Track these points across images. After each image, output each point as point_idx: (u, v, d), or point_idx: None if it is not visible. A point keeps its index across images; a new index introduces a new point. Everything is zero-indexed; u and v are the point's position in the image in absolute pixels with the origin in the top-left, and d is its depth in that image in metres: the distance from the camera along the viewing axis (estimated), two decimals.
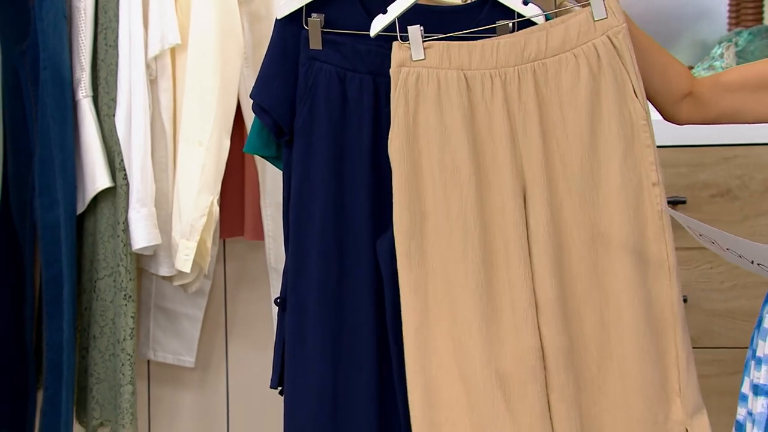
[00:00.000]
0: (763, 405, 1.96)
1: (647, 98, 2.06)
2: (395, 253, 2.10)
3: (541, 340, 2.00)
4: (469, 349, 2.02)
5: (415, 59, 2.05)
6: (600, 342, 2.02)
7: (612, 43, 2.01)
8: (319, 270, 2.15)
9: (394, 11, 2.08)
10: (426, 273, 2.04)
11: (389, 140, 2.06)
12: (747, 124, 2.15)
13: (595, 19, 2.01)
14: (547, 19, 2.11)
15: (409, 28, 2.05)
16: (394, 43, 2.06)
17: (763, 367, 1.97)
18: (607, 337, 2.01)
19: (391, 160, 2.05)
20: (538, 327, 2.01)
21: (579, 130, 2.01)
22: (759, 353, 2.00)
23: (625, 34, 2.01)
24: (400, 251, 2.04)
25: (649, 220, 2.00)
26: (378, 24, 2.09)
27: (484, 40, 2.06)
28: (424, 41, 2.05)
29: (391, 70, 2.06)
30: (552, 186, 2.02)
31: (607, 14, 2.01)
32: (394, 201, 2.05)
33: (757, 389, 1.99)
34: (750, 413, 2.01)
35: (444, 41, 2.06)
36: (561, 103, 2.02)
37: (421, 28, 2.05)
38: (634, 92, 2.01)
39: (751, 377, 2.02)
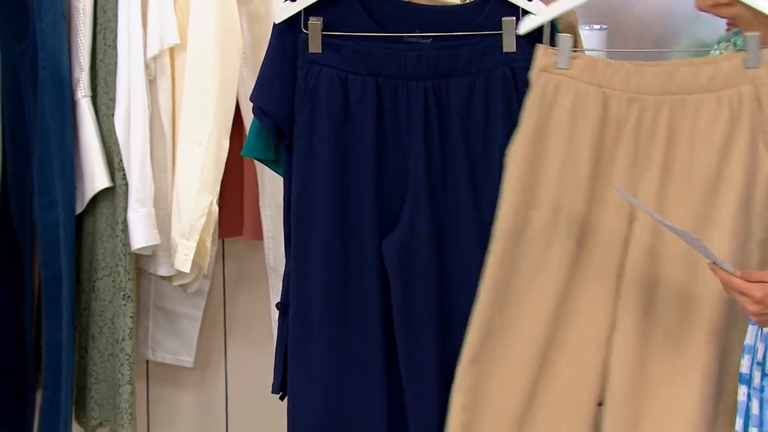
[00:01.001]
0: (744, 393, 1.98)
1: None
2: (402, 254, 2.11)
3: (606, 364, 2.03)
4: (530, 346, 2.05)
5: (559, 67, 2.05)
6: (664, 390, 2.04)
7: (757, 94, 2.01)
8: (323, 272, 2.15)
9: (549, 13, 2.08)
10: (515, 265, 2.07)
11: (514, 139, 2.07)
12: None
13: (747, 66, 2.01)
14: (553, 22, 2.11)
15: (559, 36, 2.07)
16: (540, 47, 2.07)
17: (746, 356, 1.99)
18: (671, 387, 2.03)
19: (509, 159, 2.06)
20: (607, 353, 2.04)
21: (705, 172, 2.02)
22: (745, 341, 2.01)
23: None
24: (499, 235, 2.07)
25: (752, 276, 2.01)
26: (528, 24, 2.09)
27: (631, 62, 2.06)
28: (572, 51, 2.06)
29: (531, 73, 2.07)
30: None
31: (759, 64, 2.01)
32: (503, 199, 2.06)
33: (740, 378, 2.00)
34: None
35: (591, 56, 2.07)
36: (692, 142, 2.03)
37: (572, 37, 2.07)
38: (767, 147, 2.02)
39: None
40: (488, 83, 2.12)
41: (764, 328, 1.94)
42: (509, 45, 2.12)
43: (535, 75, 2.06)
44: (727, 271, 1.88)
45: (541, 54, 2.05)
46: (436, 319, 2.15)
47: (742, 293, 1.85)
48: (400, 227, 2.13)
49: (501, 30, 2.11)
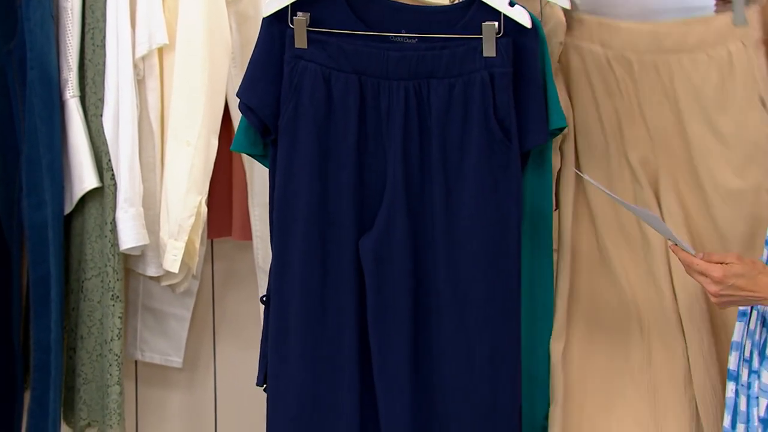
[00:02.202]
0: (732, 390, 1.98)
1: None
2: (378, 253, 2.11)
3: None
4: None
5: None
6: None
7: (745, 51, 2.05)
8: (302, 268, 2.15)
9: None
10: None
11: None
12: None
13: (735, 24, 2.05)
14: (533, 20, 2.11)
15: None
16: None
17: (733, 353, 2.00)
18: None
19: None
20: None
21: (703, 131, 2.08)
22: (733, 338, 2.02)
23: (757, 44, 2.06)
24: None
25: (761, 230, 2.04)
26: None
27: (629, 22, 2.13)
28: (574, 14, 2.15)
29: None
30: (676, 181, 2.10)
31: (746, 22, 2.05)
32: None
33: (729, 375, 2.00)
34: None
35: (597, 18, 2.14)
36: (688, 97, 2.08)
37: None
38: (762, 102, 2.06)
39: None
40: (467, 87, 2.13)
41: (750, 326, 1.95)
42: (489, 50, 2.12)
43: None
44: (687, 251, 1.89)
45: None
46: (410, 319, 2.15)
47: (702, 274, 1.86)
48: (377, 226, 2.13)
49: (482, 35, 2.11)
